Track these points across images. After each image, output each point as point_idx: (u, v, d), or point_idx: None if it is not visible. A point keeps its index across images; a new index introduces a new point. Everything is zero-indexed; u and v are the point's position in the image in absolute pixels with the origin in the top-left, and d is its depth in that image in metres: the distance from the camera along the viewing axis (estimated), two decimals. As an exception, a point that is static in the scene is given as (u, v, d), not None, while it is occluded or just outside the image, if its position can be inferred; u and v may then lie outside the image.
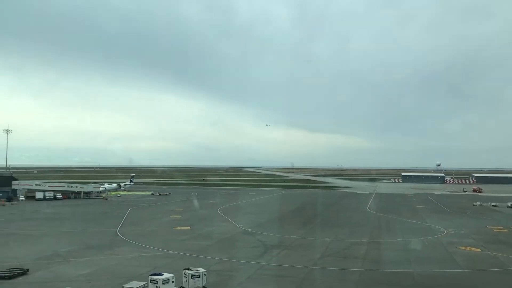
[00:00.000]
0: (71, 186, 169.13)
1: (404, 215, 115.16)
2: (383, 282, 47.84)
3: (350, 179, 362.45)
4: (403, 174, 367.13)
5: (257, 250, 65.20)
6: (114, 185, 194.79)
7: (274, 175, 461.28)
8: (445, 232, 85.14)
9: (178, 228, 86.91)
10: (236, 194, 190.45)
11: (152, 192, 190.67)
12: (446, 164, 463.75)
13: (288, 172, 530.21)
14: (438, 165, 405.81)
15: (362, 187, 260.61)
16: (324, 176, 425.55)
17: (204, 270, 44.67)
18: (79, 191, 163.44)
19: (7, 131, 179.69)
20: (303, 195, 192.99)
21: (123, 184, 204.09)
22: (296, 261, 57.23)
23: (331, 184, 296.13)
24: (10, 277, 46.97)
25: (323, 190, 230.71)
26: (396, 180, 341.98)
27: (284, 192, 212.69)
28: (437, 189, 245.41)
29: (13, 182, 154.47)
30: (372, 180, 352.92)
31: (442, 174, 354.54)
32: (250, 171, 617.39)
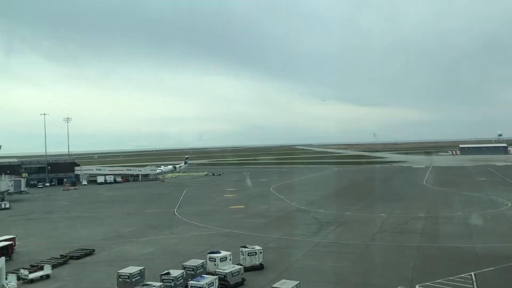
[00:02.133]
0: (130, 170, 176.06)
1: (463, 188, 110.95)
2: (443, 257, 46.41)
3: (406, 153, 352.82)
4: (461, 146, 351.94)
5: (312, 227, 65.25)
6: (170, 167, 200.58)
7: (326, 152, 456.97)
8: (509, 205, 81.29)
9: (233, 207, 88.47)
10: (288, 172, 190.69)
11: (206, 172, 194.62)
12: (509, 134, 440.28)
13: (341, 149, 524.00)
14: (500, 135, 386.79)
15: (418, 160, 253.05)
16: (378, 151, 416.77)
17: (260, 248, 45.29)
18: (137, 174, 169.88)
19: (67, 119, 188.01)
20: (357, 171, 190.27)
21: (178, 165, 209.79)
22: (352, 237, 56.78)
23: (385, 159, 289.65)
24: (78, 257, 49.85)
25: (378, 165, 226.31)
26: (454, 153, 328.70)
27: (337, 168, 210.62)
28: (499, 160, 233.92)
29: (76, 168, 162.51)
30: (428, 153, 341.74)
31: (505, 145, 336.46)
32: (301, 148, 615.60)
